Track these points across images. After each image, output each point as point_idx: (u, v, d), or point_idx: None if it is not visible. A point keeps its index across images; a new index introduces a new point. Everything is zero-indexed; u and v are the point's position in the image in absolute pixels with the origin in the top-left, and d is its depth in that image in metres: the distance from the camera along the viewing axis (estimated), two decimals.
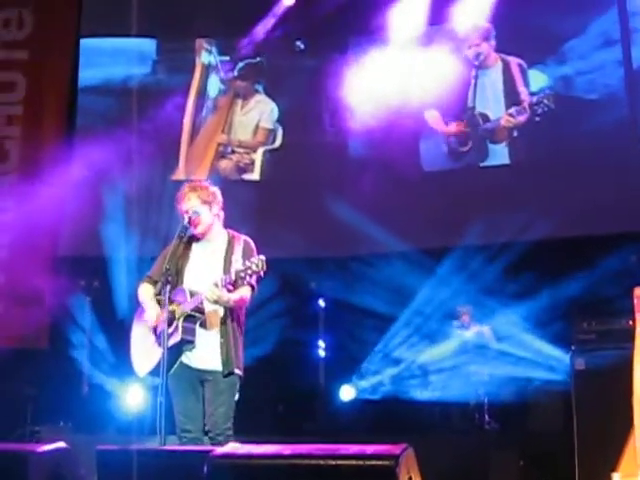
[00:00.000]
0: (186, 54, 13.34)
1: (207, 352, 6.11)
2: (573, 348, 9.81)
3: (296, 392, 12.08)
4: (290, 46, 13.24)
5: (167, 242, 6.58)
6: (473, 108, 12.67)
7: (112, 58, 13.16)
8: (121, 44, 13.16)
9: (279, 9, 12.95)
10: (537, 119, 12.17)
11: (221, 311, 6.07)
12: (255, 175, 13.06)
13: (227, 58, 13.32)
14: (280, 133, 13.10)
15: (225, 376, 6.11)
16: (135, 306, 6.66)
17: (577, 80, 12.10)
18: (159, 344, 6.06)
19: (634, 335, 6.90)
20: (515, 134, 12.40)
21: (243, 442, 5.32)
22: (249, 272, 5.82)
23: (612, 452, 7.18)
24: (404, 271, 11.45)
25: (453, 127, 12.70)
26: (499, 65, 12.62)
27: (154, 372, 6.22)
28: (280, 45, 13.22)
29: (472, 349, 11.18)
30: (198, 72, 13.31)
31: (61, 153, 12.58)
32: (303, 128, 12.99)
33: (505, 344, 11.20)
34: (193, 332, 6.06)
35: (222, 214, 6.38)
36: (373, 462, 4.59)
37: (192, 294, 6.01)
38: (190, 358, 6.15)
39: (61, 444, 5.69)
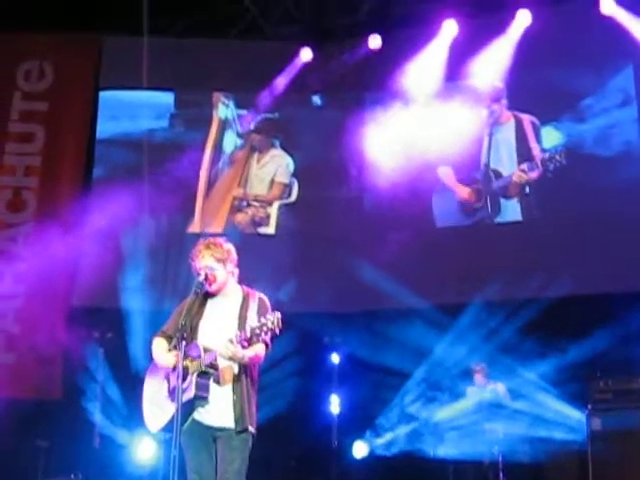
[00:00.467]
0: (203, 107, 13.37)
1: (220, 409, 6.00)
2: (589, 407, 9.69)
3: (309, 448, 11.92)
4: (307, 101, 13.30)
5: (182, 295, 6.53)
6: (487, 165, 12.64)
7: (130, 111, 13.21)
8: (139, 97, 13.20)
9: (297, 64, 13.02)
10: (549, 175, 12.13)
11: (235, 367, 5.98)
12: (270, 229, 13.00)
13: (244, 112, 13.36)
14: (296, 187, 13.08)
15: (238, 433, 6.01)
16: (149, 359, 6.60)
17: (591, 137, 12.03)
18: (172, 399, 5.97)
19: None
20: (527, 190, 12.35)
21: None
22: (264, 329, 5.75)
23: None
24: (419, 327, 11.29)
25: (466, 184, 12.68)
26: (512, 122, 12.60)
27: (166, 427, 6.13)
28: (297, 100, 13.26)
29: (487, 407, 10.97)
30: (215, 125, 13.33)
31: (78, 204, 12.57)
32: (318, 182, 12.96)
33: (520, 402, 11.00)
34: (207, 388, 5.96)
35: (236, 271, 6.32)
36: None
37: (206, 350, 5.92)
38: (203, 415, 6.05)
39: None
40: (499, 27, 12.35)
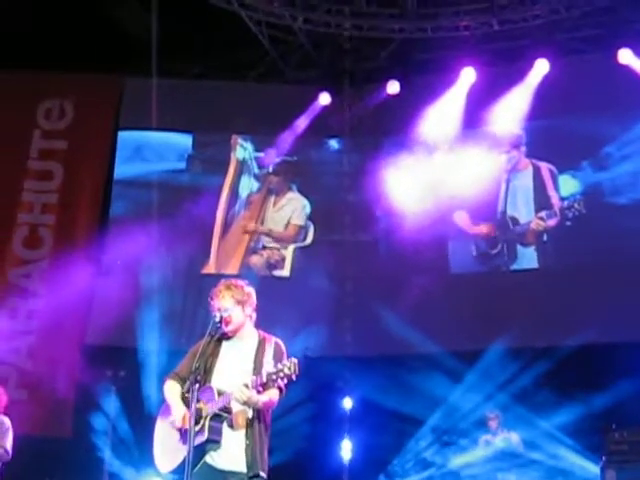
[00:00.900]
0: (221, 150, 13.37)
1: (232, 453, 5.89)
2: (604, 459, 9.54)
3: None
4: (325, 145, 13.32)
5: (197, 335, 6.46)
6: (504, 212, 12.59)
7: (148, 151, 13.23)
8: (158, 138, 13.22)
9: (315, 108, 13.04)
10: (568, 223, 12.09)
11: (248, 412, 5.91)
12: (285, 272, 12.93)
13: (262, 155, 13.36)
14: (312, 230, 13.05)
15: (250, 478, 5.93)
16: (161, 400, 6.54)
17: (609, 185, 12.01)
18: (184, 442, 5.89)
19: None
20: (545, 238, 12.30)
21: None
22: (281, 375, 5.66)
23: None
24: (434, 373, 11.21)
25: (483, 229, 12.64)
26: (530, 170, 12.57)
27: (177, 470, 6.05)
28: (315, 143, 13.28)
29: (499, 456, 10.84)
30: (232, 167, 13.33)
31: (94, 243, 12.60)
32: (334, 226, 12.91)
33: (534, 452, 10.87)
34: (220, 432, 5.86)
35: (254, 315, 6.27)
36: None
37: (220, 393, 5.83)
38: (214, 458, 5.94)
39: None
40: (517, 76, 12.38)
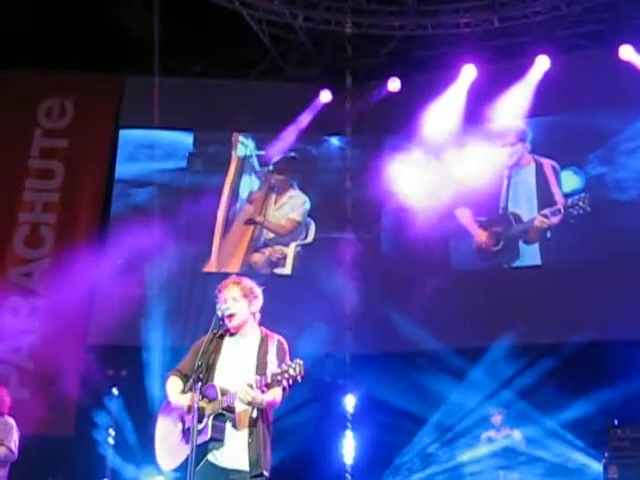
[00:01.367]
0: (223, 148, 13.33)
1: (236, 451, 5.87)
2: (606, 456, 9.53)
3: None
4: (326, 142, 13.30)
5: (199, 333, 6.45)
6: (505, 208, 12.58)
7: (149, 150, 13.19)
8: (159, 136, 13.19)
9: (316, 105, 13.02)
10: (571, 221, 12.07)
11: (252, 411, 5.90)
12: (287, 270, 12.92)
13: (263, 153, 13.34)
14: (313, 228, 13.03)
15: (253, 477, 5.91)
16: (163, 397, 6.52)
17: (611, 181, 11.98)
18: (186, 441, 5.87)
19: None
20: (548, 235, 12.28)
21: None
22: (286, 376, 5.63)
23: None
24: (437, 370, 11.22)
25: (484, 226, 12.62)
26: (532, 166, 12.54)
27: (179, 468, 6.03)
28: (316, 141, 13.26)
29: (502, 453, 10.86)
30: (234, 166, 13.30)
31: (95, 241, 12.59)
32: (335, 224, 12.88)
33: (537, 449, 10.87)
34: (223, 431, 5.83)
35: (259, 316, 6.26)
36: None
37: (223, 392, 5.80)
38: (217, 457, 5.92)
39: None
40: (518, 72, 12.34)
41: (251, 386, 5.72)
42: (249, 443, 5.87)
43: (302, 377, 5.65)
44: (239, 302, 6.07)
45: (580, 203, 11.93)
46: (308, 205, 13.11)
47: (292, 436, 10.33)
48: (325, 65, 13.41)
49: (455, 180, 12.38)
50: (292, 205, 13.17)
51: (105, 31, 12.50)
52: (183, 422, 6.03)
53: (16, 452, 8.80)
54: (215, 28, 12.75)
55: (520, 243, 12.39)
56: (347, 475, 11.77)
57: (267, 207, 13.16)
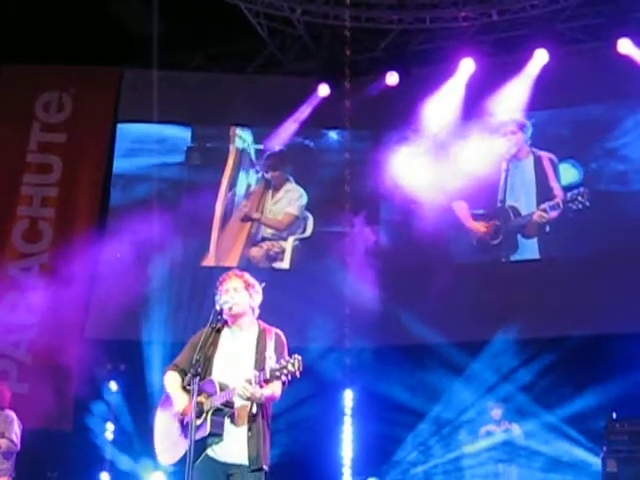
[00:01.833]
0: (220, 141, 13.30)
1: (234, 446, 5.85)
2: (605, 449, 9.53)
3: None
4: (323, 136, 13.28)
5: (197, 327, 6.43)
6: (503, 201, 12.57)
7: (147, 143, 13.17)
8: (157, 130, 13.17)
9: (314, 99, 13.00)
10: (570, 215, 12.06)
11: (252, 407, 5.88)
12: (285, 264, 12.90)
13: (261, 147, 13.31)
14: (311, 222, 13.01)
15: (252, 471, 5.90)
16: (162, 392, 6.51)
17: (610, 174, 12.00)
18: (185, 436, 5.86)
19: None
20: (547, 229, 12.27)
21: None
22: (285, 371, 5.61)
23: None
24: (435, 364, 11.24)
25: (482, 220, 12.60)
26: (531, 159, 12.51)
27: (178, 463, 6.02)
28: (313, 135, 13.24)
29: (501, 446, 10.86)
30: (231, 160, 13.27)
31: (93, 235, 12.57)
32: (333, 217, 12.87)
33: (536, 443, 10.87)
34: (222, 426, 5.82)
35: (258, 311, 6.26)
36: None
37: (222, 387, 5.78)
38: (216, 451, 5.91)
39: None
40: (516, 66, 12.32)
41: (250, 382, 5.71)
42: (249, 438, 5.86)
43: (301, 372, 5.64)
44: (240, 293, 6.07)
45: (579, 198, 11.93)
46: (305, 199, 13.09)
47: (292, 430, 10.36)
48: (323, 59, 13.38)
49: (454, 173, 12.35)
50: (289, 199, 13.15)
51: (103, 24, 12.47)
52: (182, 417, 6.02)
53: (19, 443, 8.87)
54: (213, 22, 12.72)
55: (519, 237, 12.38)
56: (346, 469, 11.74)
57: (264, 202, 13.14)
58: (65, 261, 11.95)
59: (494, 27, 12.94)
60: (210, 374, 5.92)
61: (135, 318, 11.82)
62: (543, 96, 12.12)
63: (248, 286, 6.13)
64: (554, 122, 12.34)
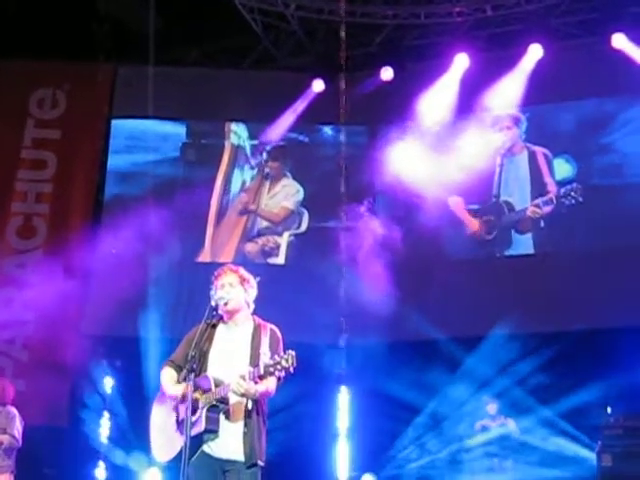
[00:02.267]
0: (216, 137, 13.28)
1: (230, 442, 5.85)
2: (600, 444, 9.55)
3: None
4: (319, 131, 13.27)
5: (192, 323, 6.42)
6: (498, 196, 12.57)
7: (142, 140, 13.14)
8: (151, 126, 13.16)
9: (309, 95, 12.98)
10: (564, 211, 12.07)
11: (247, 403, 5.89)
12: (280, 259, 12.91)
13: (256, 142, 13.30)
14: (306, 217, 13.00)
15: (248, 467, 5.91)
16: (158, 388, 6.51)
17: (604, 169, 12.00)
18: (181, 432, 5.86)
19: None
20: (542, 224, 12.28)
21: None
22: (279, 367, 5.62)
23: None
24: (431, 359, 11.25)
25: (477, 215, 12.61)
26: (525, 154, 12.52)
27: (174, 460, 6.02)
28: (309, 130, 13.23)
29: (496, 441, 10.88)
30: (227, 155, 13.26)
31: (88, 231, 12.55)
32: (329, 213, 12.88)
33: (531, 437, 10.89)
34: (217, 422, 5.82)
35: (253, 306, 6.26)
36: None
37: (217, 383, 5.78)
38: (212, 447, 5.91)
39: None
40: (511, 61, 12.32)
41: (244, 378, 5.71)
42: (244, 433, 5.87)
43: (295, 368, 5.65)
44: (235, 288, 6.08)
45: (572, 193, 11.94)
46: (302, 194, 13.08)
47: (287, 426, 10.35)
48: (318, 54, 13.36)
49: (448, 168, 12.33)
50: (285, 194, 13.15)
51: (97, 21, 12.46)
52: (177, 413, 6.02)
53: (20, 440, 8.89)
54: (207, 17, 12.70)
55: (513, 232, 12.38)
56: (342, 465, 11.76)
57: (260, 196, 13.14)
58: (60, 257, 11.93)
59: (488, 22, 12.93)
60: (205, 370, 5.93)
61: (130, 314, 11.80)
62: (537, 91, 12.13)
63: (243, 281, 6.13)
64: (548, 117, 12.36)
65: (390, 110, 12.65)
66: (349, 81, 12.76)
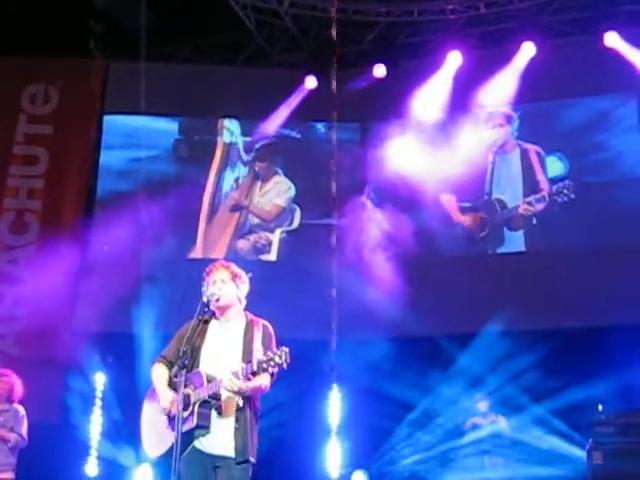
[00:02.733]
0: (208, 134, 13.27)
1: (221, 438, 5.84)
2: (590, 441, 9.55)
3: (308, 477, 11.77)
4: (311, 128, 13.26)
5: (184, 319, 6.41)
6: (490, 194, 12.58)
7: (134, 136, 13.11)
8: (144, 122, 13.13)
9: (302, 91, 12.97)
10: (556, 208, 12.08)
11: (239, 399, 5.87)
12: (272, 256, 12.89)
13: (248, 139, 13.28)
14: (298, 214, 13.00)
15: (239, 463, 5.89)
16: (149, 384, 6.49)
17: (596, 166, 12.03)
18: (172, 428, 5.85)
19: None
20: (534, 222, 12.29)
21: None
22: (272, 364, 5.61)
23: None
24: (423, 356, 11.27)
25: (469, 213, 12.61)
26: (517, 152, 12.54)
27: (165, 455, 6.01)
28: (301, 127, 13.23)
29: (487, 438, 10.88)
30: (219, 152, 13.25)
31: (80, 228, 12.53)
32: (320, 210, 12.86)
33: (522, 435, 10.90)
34: (208, 418, 5.81)
35: (245, 302, 6.25)
36: None
37: (209, 379, 5.77)
38: (203, 443, 5.90)
39: None
40: (503, 59, 12.33)
41: (236, 374, 5.70)
42: (235, 429, 5.85)
43: (287, 365, 5.64)
44: (227, 284, 6.07)
45: (564, 190, 11.96)
46: (293, 191, 13.08)
47: (279, 423, 10.35)
48: (311, 51, 13.34)
49: (441, 166, 12.34)
50: (277, 191, 13.14)
51: (90, 16, 12.43)
52: (169, 410, 6.01)
53: (26, 439, 8.86)
54: (200, 14, 12.67)
55: (505, 230, 12.40)
56: (334, 462, 11.74)
57: (252, 192, 13.13)
58: (52, 253, 11.90)
59: (481, 20, 12.94)
60: (197, 366, 5.92)
61: (123, 310, 11.79)
62: (530, 89, 12.14)
63: (235, 277, 6.12)
64: (541, 115, 12.37)
65: (383, 107, 12.64)
66: (342, 78, 12.72)
